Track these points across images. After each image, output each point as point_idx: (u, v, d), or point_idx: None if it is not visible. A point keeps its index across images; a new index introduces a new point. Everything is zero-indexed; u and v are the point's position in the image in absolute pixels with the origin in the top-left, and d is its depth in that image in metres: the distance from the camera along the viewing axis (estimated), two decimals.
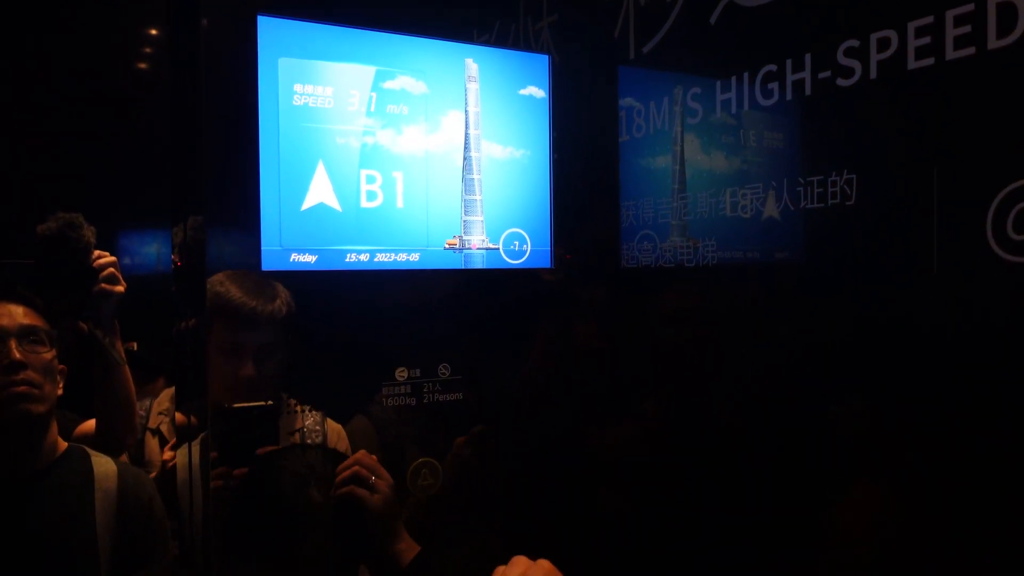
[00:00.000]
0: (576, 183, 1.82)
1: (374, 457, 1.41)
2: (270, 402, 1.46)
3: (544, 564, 0.95)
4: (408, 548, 1.36)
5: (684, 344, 1.67)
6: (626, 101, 1.79)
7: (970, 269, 1.09)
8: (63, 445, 1.48)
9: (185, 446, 1.43)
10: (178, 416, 1.54)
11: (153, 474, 1.58)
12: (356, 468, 1.36)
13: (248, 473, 1.40)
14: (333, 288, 1.57)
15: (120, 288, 1.52)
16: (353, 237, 1.57)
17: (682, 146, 1.65)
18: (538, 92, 1.76)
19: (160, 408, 1.74)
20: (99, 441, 1.55)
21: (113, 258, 1.51)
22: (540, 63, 1.77)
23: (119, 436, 1.58)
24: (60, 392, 1.46)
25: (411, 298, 1.69)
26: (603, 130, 1.83)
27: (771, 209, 1.43)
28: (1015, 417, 1.06)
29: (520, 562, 0.94)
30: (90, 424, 1.61)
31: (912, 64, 1.15)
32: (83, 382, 1.55)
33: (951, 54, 1.09)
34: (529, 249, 1.74)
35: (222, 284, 1.51)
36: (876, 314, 1.24)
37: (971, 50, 1.07)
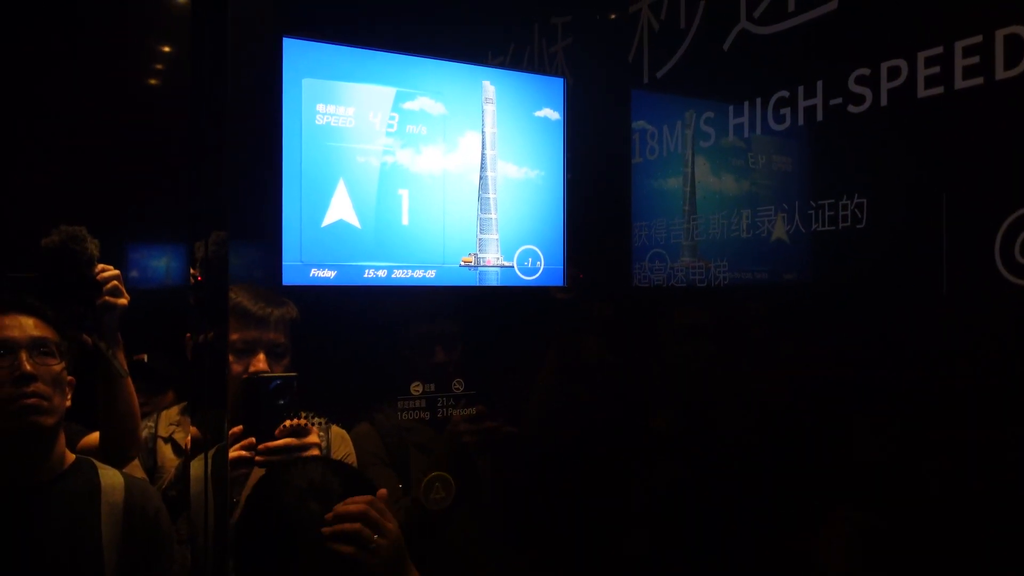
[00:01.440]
0: (589, 203, 1.85)
1: (384, 495, 1.24)
2: (294, 373, 1.47)
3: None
4: None
5: (695, 361, 1.69)
6: (639, 124, 1.83)
7: (979, 292, 1.11)
8: (71, 457, 1.47)
9: (200, 457, 1.44)
10: (192, 429, 1.55)
11: (167, 480, 1.59)
12: (359, 527, 1.16)
13: (251, 492, 1.39)
14: (352, 303, 1.60)
15: (123, 301, 1.51)
16: (372, 253, 1.60)
17: (693, 169, 1.69)
18: (553, 114, 1.80)
19: (170, 419, 1.75)
20: (103, 453, 1.54)
21: (116, 271, 1.51)
22: (555, 86, 1.81)
23: (122, 448, 1.57)
24: (68, 404, 1.45)
25: (427, 313, 1.72)
26: (616, 152, 1.87)
27: (780, 231, 1.46)
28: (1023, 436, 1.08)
29: None
30: (95, 436, 1.61)
31: (922, 92, 1.18)
32: (88, 394, 1.55)
33: (960, 83, 1.13)
34: (543, 266, 1.77)
35: (232, 291, 1.55)
36: (886, 334, 1.27)
37: (979, 80, 1.10)
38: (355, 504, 1.17)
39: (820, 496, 1.37)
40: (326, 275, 1.56)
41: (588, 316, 1.91)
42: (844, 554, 1.34)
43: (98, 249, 1.49)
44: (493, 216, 1.71)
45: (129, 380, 1.54)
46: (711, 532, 1.59)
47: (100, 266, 1.49)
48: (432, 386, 1.65)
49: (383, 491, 1.23)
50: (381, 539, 1.16)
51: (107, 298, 1.49)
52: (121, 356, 1.53)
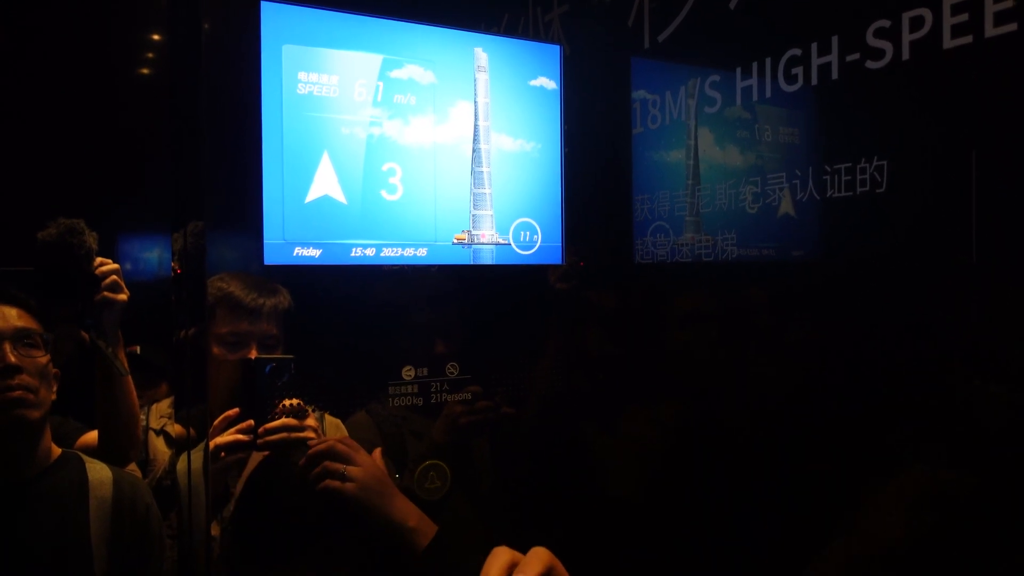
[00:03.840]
0: (588, 177, 1.77)
1: (348, 442, 1.31)
2: (291, 356, 1.43)
3: (540, 553, 0.87)
4: (420, 526, 1.24)
5: (702, 345, 1.61)
6: (639, 93, 1.74)
7: (1012, 259, 1.03)
8: (57, 451, 1.44)
9: (185, 452, 1.39)
10: (177, 427, 1.50)
11: (161, 470, 1.54)
12: (326, 464, 1.26)
13: (252, 478, 1.35)
14: (338, 283, 1.52)
15: (123, 296, 1.47)
16: (359, 231, 1.52)
17: (696, 140, 1.61)
18: (549, 83, 1.71)
19: (161, 412, 1.71)
20: (102, 453, 1.51)
21: (116, 265, 1.46)
22: (551, 53, 1.72)
23: (122, 448, 1.54)
24: (54, 397, 1.41)
25: (418, 294, 1.64)
26: (616, 122, 1.78)
27: (787, 205, 1.39)
28: None
29: (501, 553, 0.87)
30: (93, 435, 1.57)
31: (948, 43, 1.09)
32: (87, 391, 1.51)
33: (991, 31, 1.04)
34: (540, 240, 1.69)
35: (223, 280, 1.51)
36: (909, 308, 1.19)
37: (1013, 26, 1.02)
38: (321, 444, 1.27)
39: (833, 480, 1.29)
40: (311, 254, 1.48)
41: (590, 306, 1.83)
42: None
43: (96, 242, 1.43)
44: (487, 191, 1.63)
45: (129, 379, 1.50)
46: (720, 520, 1.53)
47: (98, 260, 1.44)
48: (425, 370, 1.58)
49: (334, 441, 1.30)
50: (353, 468, 1.24)
51: (106, 294, 1.44)
52: (122, 354, 1.48)
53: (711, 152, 1.58)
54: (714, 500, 1.54)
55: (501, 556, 0.85)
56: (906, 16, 1.14)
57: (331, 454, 1.26)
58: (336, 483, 1.23)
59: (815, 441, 1.33)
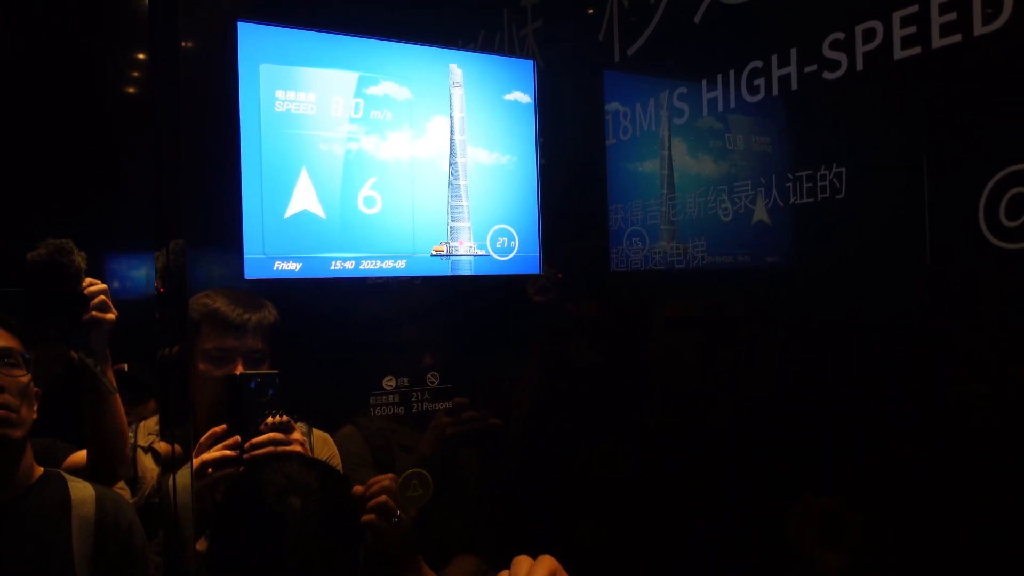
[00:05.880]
0: (564, 188, 1.80)
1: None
2: (276, 371, 1.44)
3: (547, 560, 0.92)
4: None
5: (688, 349, 1.64)
6: (612, 105, 1.78)
7: (964, 258, 1.07)
8: (39, 470, 1.43)
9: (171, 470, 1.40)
10: (163, 445, 1.51)
11: (149, 487, 1.55)
12: (385, 499, 1.28)
13: (226, 491, 1.36)
14: (318, 296, 1.54)
15: (111, 316, 1.47)
16: (338, 244, 1.55)
17: (669, 149, 1.64)
18: (523, 97, 1.75)
19: (149, 429, 1.71)
20: (90, 472, 1.51)
21: (104, 285, 1.47)
22: (525, 68, 1.76)
23: (111, 466, 1.53)
24: (35, 416, 1.41)
25: (398, 305, 1.66)
26: (590, 134, 1.82)
27: (761, 213, 1.42)
28: (1016, 408, 1.04)
29: (522, 562, 0.92)
30: (81, 455, 1.57)
31: (899, 54, 1.14)
32: (73, 411, 1.51)
33: (937, 42, 1.09)
34: (517, 247, 1.72)
35: (208, 296, 1.52)
36: (870, 306, 1.23)
37: (957, 37, 1.06)
38: (384, 479, 1.29)
39: (812, 484, 1.32)
40: (291, 268, 1.50)
41: (570, 315, 1.86)
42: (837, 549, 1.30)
43: (85, 262, 1.44)
44: (464, 203, 1.66)
45: (117, 397, 1.50)
46: (703, 529, 1.55)
47: (87, 280, 1.45)
48: (406, 380, 1.60)
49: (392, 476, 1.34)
50: (404, 514, 1.26)
51: (95, 313, 1.45)
52: (110, 372, 1.49)
53: (684, 162, 1.61)
54: (703, 502, 1.56)
55: (523, 563, 0.91)
56: (859, 28, 1.19)
57: (391, 492, 1.29)
58: (383, 525, 1.25)
59: (799, 442, 1.36)
